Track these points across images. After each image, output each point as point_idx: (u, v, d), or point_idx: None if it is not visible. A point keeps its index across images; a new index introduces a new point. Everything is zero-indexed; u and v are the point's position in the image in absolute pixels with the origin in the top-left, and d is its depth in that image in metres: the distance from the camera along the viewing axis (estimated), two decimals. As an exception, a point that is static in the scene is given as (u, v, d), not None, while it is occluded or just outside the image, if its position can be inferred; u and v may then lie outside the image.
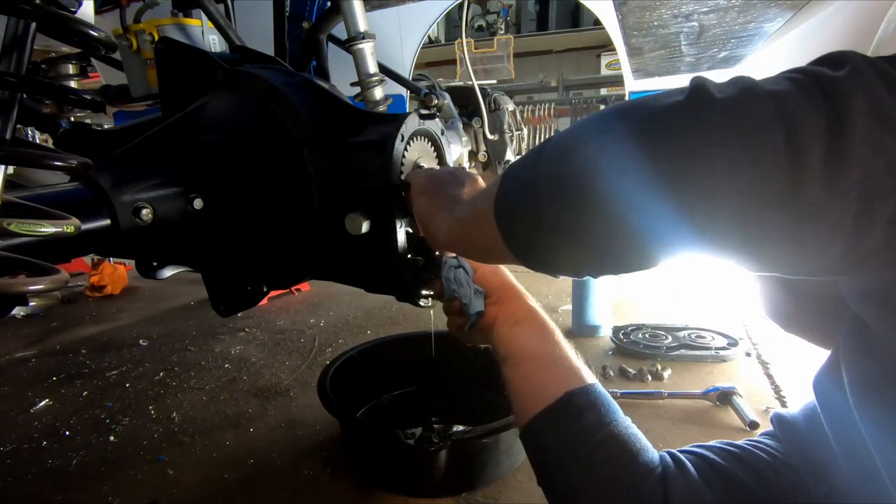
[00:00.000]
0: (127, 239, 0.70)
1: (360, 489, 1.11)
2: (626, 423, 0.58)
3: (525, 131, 2.47)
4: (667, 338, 1.73)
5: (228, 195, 0.80)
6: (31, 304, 0.50)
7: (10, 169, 0.54)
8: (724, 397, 1.34)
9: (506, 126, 2.11)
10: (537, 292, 2.36)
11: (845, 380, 0.44)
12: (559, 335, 0.67)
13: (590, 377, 0.61)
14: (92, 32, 0.55)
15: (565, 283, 2.17)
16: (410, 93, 2.07)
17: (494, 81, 4.50)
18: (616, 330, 1.79)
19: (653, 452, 0.56)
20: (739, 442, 0.62)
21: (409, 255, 0.72)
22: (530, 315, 0.68)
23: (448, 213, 0.55)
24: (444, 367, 1.41)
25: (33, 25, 0.53)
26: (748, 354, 1.65)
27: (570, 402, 0.58)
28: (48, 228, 0.54)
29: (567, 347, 0.65)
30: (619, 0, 1.10)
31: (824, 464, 0.52)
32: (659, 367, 1.53)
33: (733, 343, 1.68)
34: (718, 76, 0.37)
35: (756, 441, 0.62)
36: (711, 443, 0.63)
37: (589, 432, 0.56)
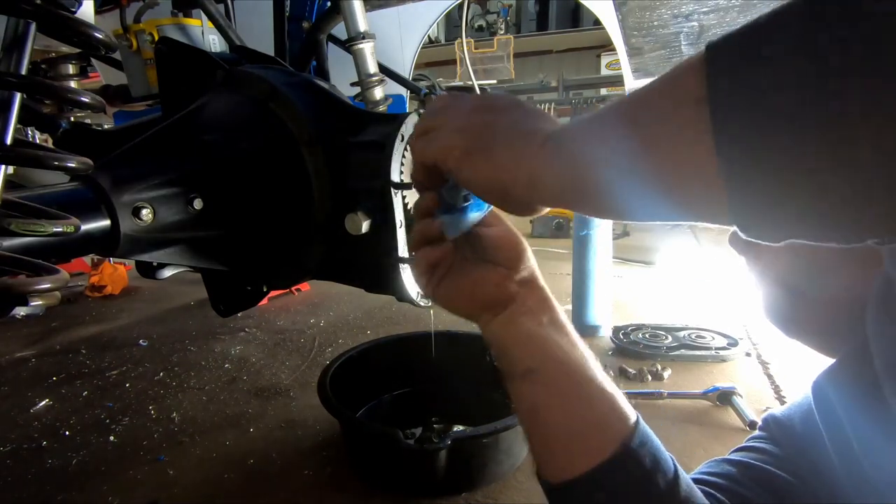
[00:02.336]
0: (127, 239, 0.70)
1: (360, 489, 1.11)
2: (686, 481, 0.47)
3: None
4: (667, 338, 1.73)
5: (228, 195, 0.79)
6: (32, 304, 0.50)
7: (10, 169, 0.54)
8: (724, 397, 1.34)
9: (506, 126, 2.11)
10: (537, 292, 2.36)
11: (878, 366, 0.40)
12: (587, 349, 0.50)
13: (630, 409, 0.47)
14: (92, 32, 0.55)
15: (565, 282, 2.17)
16: (410, 93, 2.07)
17: (494, 81, 4.50)
18: (616, 330, 1.79)
19: None
20: (755, 462, 0.58)
21: (408, 255, 0.72)
22: (561, 320, 0.51)
23: (550, 153, 0.33)
24: (444, 367, 1.41)
25: (33, 25, 0.53)
26: (748, 354, 1.65)
27: (632, 457, 0.44)
28: (48, 228, 0.54)
29: (600, 366, 0.49)
30: (619, 0, 1.10)
31: (821, 464, 0.52)
32: (659, 367, 1.53)
33: (733, 343, 1.68)
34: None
35: (763, 456, 0.59)
36: (729, 468, 0.58)
37: (658, 498, 0.44)
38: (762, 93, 0.23)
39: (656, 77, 0.29)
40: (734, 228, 0.27)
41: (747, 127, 0.24)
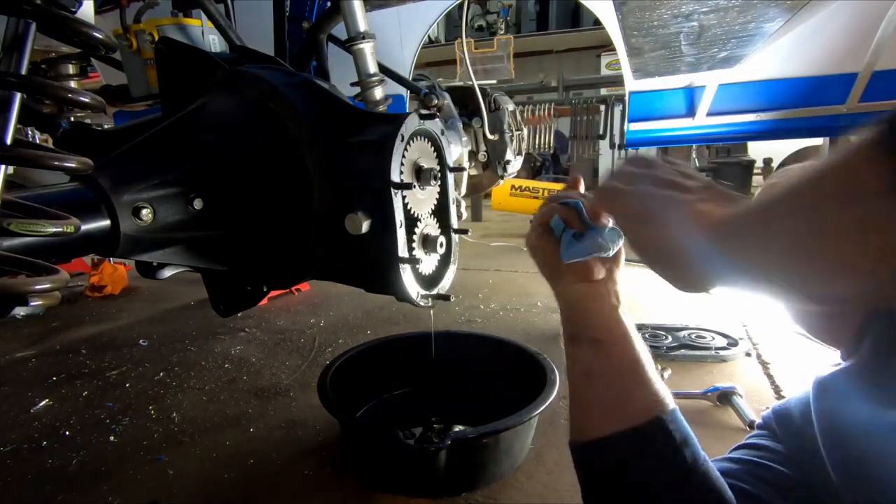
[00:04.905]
0: (127, 239, 0.70)
1: (360, 489, 1.11)
2: (710, 464, 0.51)
3: (525, 131, 2.47)
4: (667, 338, 1.73)
5: (228, 195, 0.79)
6: (32, 304, 0.50)
7: (11, 169, 0.54)
8: (724, 397, 1.34)
9: (506, 126, 2.11)
10: (536, 292, 2.36)
11: None
12: None
13: (670, 399, 0.53)
14: (92, 32, 0.55)
15: (565, 283, 2.16)
16: (410, 93, 2.07)
17: (494, 81, 4.50)
18: (616, 330, 1.79)
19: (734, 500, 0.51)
20: (755, 458, 0.59)
21: (408, 255, 0.72)
22: (625, 310, 0.57)
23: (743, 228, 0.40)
24: (444, 367, 1.41)
25: (33, 25, 0.53)
26: (748, 354, 1.65)
27: (664, 428, 0.50)
28: (48, 228, 0.54)
29: (651, 360, 0.56)
30: (619, 0, 1.10)
31: (815, 455, 0.52)
32: (659, 367, 1.52)
33: (733, 343, 1.68)
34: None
35: (764, 453, 0.59)
36: (729, 465, 0.59)
37: (685, 471, 0.49)
38: None
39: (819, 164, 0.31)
40: None
41: None
